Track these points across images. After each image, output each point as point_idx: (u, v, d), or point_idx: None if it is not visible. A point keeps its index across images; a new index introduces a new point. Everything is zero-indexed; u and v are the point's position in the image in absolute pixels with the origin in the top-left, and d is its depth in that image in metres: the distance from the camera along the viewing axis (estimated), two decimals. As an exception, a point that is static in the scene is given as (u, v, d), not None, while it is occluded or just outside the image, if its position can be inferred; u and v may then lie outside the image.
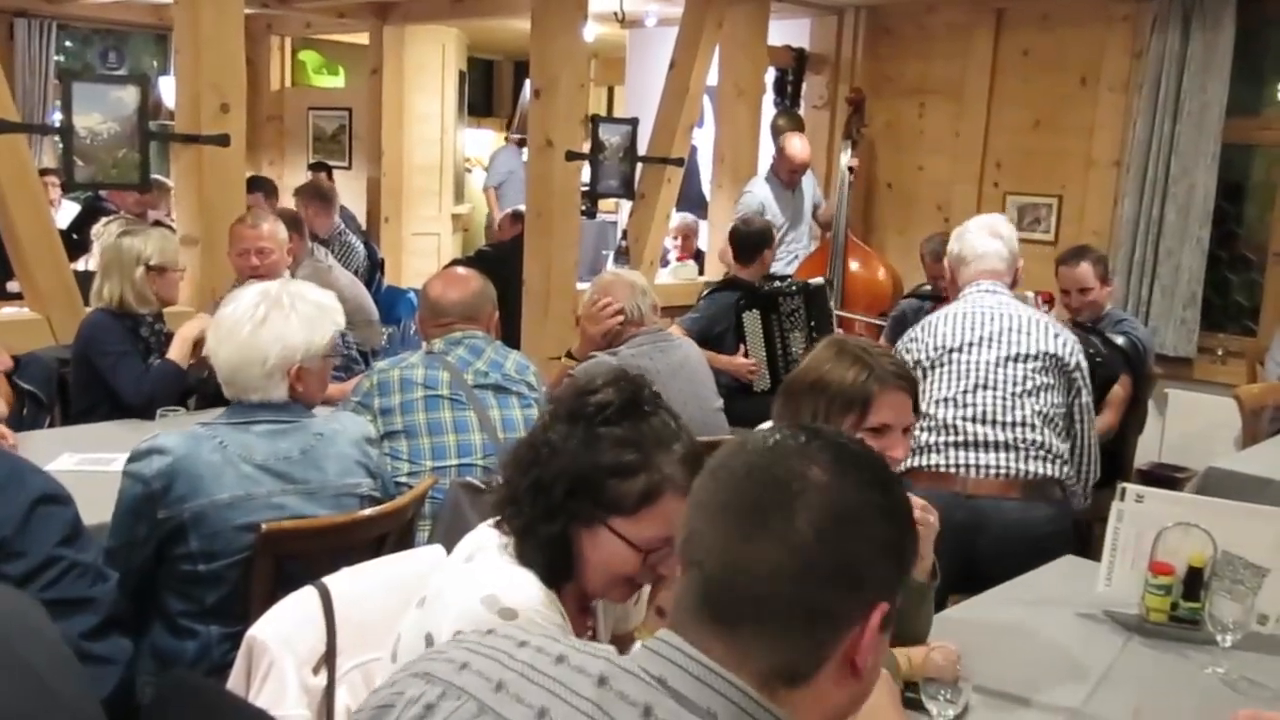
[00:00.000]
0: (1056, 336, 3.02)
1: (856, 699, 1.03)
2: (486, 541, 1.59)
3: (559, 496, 1.52)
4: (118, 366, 3.37)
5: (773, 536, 0.97)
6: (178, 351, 3.43)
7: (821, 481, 0.99)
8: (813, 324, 4.82)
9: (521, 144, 9.00)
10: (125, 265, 3.44)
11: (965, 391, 2.95)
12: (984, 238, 3.15)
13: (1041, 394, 2.95)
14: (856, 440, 1.11)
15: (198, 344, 3.31)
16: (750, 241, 4.97)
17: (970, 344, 2.99)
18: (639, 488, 1.50)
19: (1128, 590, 2.26)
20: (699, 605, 0.99)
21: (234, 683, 1.78)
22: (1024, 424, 2.91)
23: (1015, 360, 2.96)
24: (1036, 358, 2.96)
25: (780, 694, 0.97)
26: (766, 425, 2.05)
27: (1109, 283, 4.41)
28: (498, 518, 1.62)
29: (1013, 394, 2.93)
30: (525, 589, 1.50)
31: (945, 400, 2.95)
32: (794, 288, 4.90)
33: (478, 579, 1.51)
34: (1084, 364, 3.04)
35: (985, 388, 2.94)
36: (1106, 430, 4.08)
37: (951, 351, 2.99)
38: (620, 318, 3.40)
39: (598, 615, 1.71)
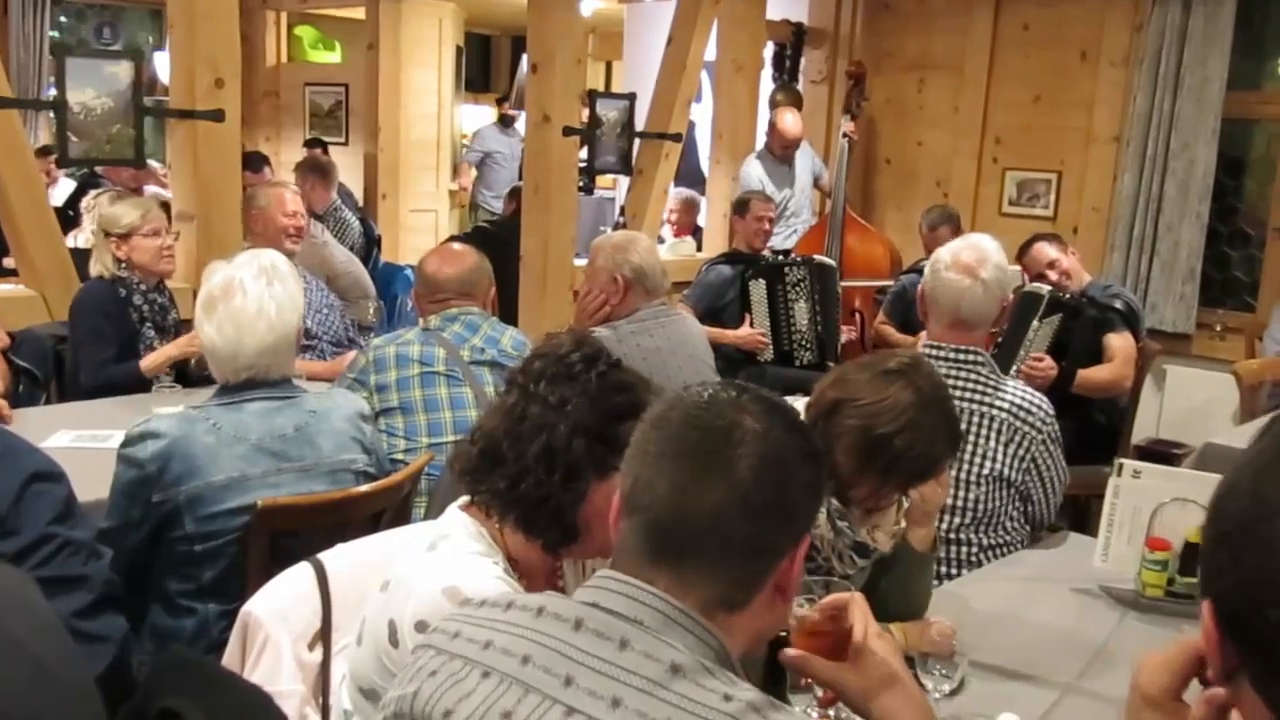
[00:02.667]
0: (1009, 444, 2.51)
1: (780, 617, 1.18)
2: (450, 529, 1.58)
3: (580, 453, 1.51)
4: (85, 342, 3.36)
5: (716, 478, 1.08)
6: (151, 363, 3.35)
7: (757, 429, 1.11)
8: (817, 296, 4.84)
9: (503, 120, 9.00)
10: (97, 233, 3.45)
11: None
12: (960, 278, 2.59)
13: (985, 523, 2.53)
14: (775, 394, 1.23)
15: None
16: (740, 199, 5.22)
17: None
18: None
19: (1124, 565, 2.27)
20: (643, 547, 1.10)
21: (229, 659, 1.79)
22: (962, 562, 2.52)
23: (961, 484, 2.51)
24: (980, 483, 2.52)
25: (719, 618, 1.08)
26: None
27: (1073, 250, 4.45)
28: (468, 498, 1.60)
29: (951, 527, 2.51)
30: (486, 579, 1.48)
31: None
32: (800, 259, 4.95)
33: (440, 569, 1.50)
34: (1040, 460, 2.55)
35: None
36: (1117, 380, 4.04)
37: None
38: (606, 310, 3.34)
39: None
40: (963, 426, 2.47)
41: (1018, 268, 4.23)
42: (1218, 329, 5.59)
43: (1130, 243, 5.58)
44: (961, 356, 2.58)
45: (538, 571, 1.60)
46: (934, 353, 2.59)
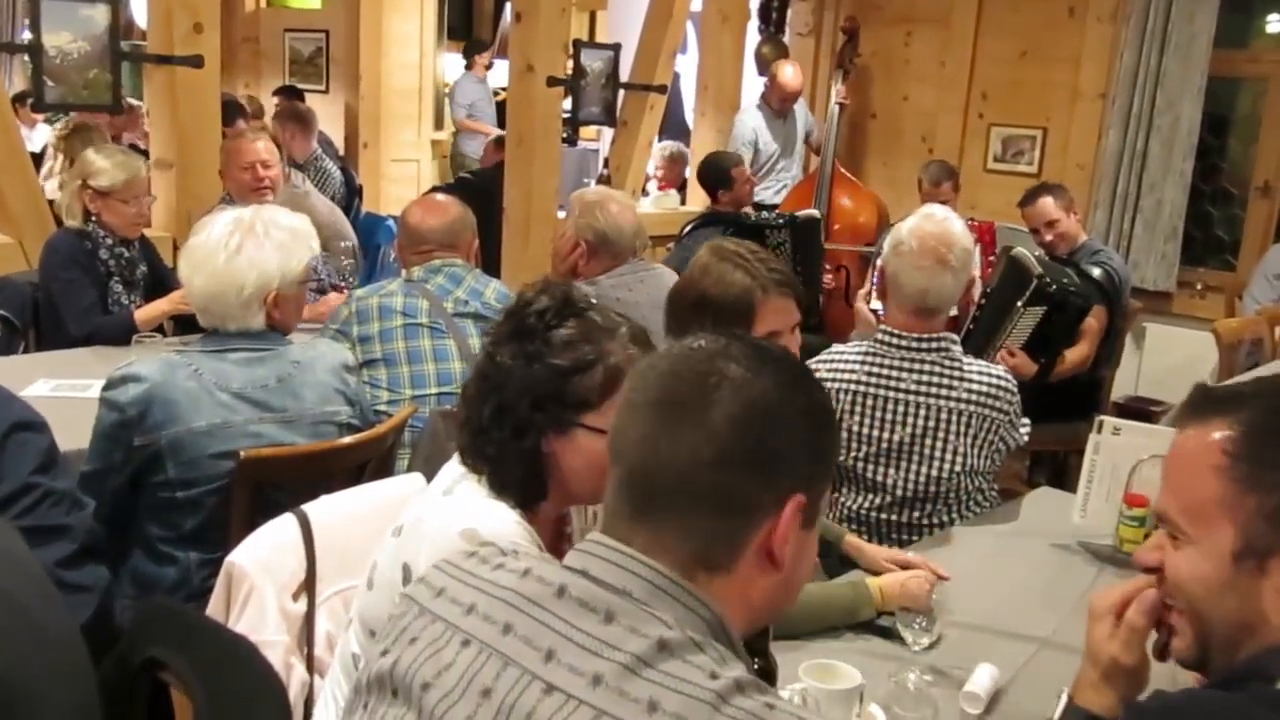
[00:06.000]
0: (977, 434, 2.45)
1: (783, 591, 1.08)
2: (463, 474, 1.59)
3: (525, 411, 1.52)
4: (65, 293, 3.32)
5: (689, 426, 1.02)
6: (146, 314, 3.33)
7: (738, 375, 1.04)
8: (798, 257, 4.82)
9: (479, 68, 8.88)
10: (72, 175, 3.38)
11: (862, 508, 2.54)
12: (927, 266, 2.43)
13: (961, 504, 2.52)
14: (778, 345, 1.15)
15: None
16: (716, 171, 5.06)
17: (875, 455, 2.48)
18: (599, 379, 1.52)
19: (1102, 521, 2.29)
20: (621, 500, 1.05)
21: (213, 609, 1.79)
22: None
23: (933, 480, 2.47)
24: (951, 478, 2.46)
25: (700, 579, 1.01)
26: None
27: (1075, 212, 4.43)
28: (462, 454, 1.61)
29: (926, 513, 2.50)
30: (504, 522, 1.49)
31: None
32: (781, 221, 4.91)
33: (457, 511, 1.51)
34: (1006, 436, 2.50)
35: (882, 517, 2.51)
36: (1081, 362, 4.11)
37: (858, 461, 2.51)
38: (579, 249, 3.35)
39: (574, 541, 1.72)
40: (927, 422, 2.44)
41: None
42: (1198, 288, 5.61)
43: (1114, 200, 5.59)
44: (924, 344, 2.46)
45: (545, 519, 1.60)
46: (894, 342, 2.48)
